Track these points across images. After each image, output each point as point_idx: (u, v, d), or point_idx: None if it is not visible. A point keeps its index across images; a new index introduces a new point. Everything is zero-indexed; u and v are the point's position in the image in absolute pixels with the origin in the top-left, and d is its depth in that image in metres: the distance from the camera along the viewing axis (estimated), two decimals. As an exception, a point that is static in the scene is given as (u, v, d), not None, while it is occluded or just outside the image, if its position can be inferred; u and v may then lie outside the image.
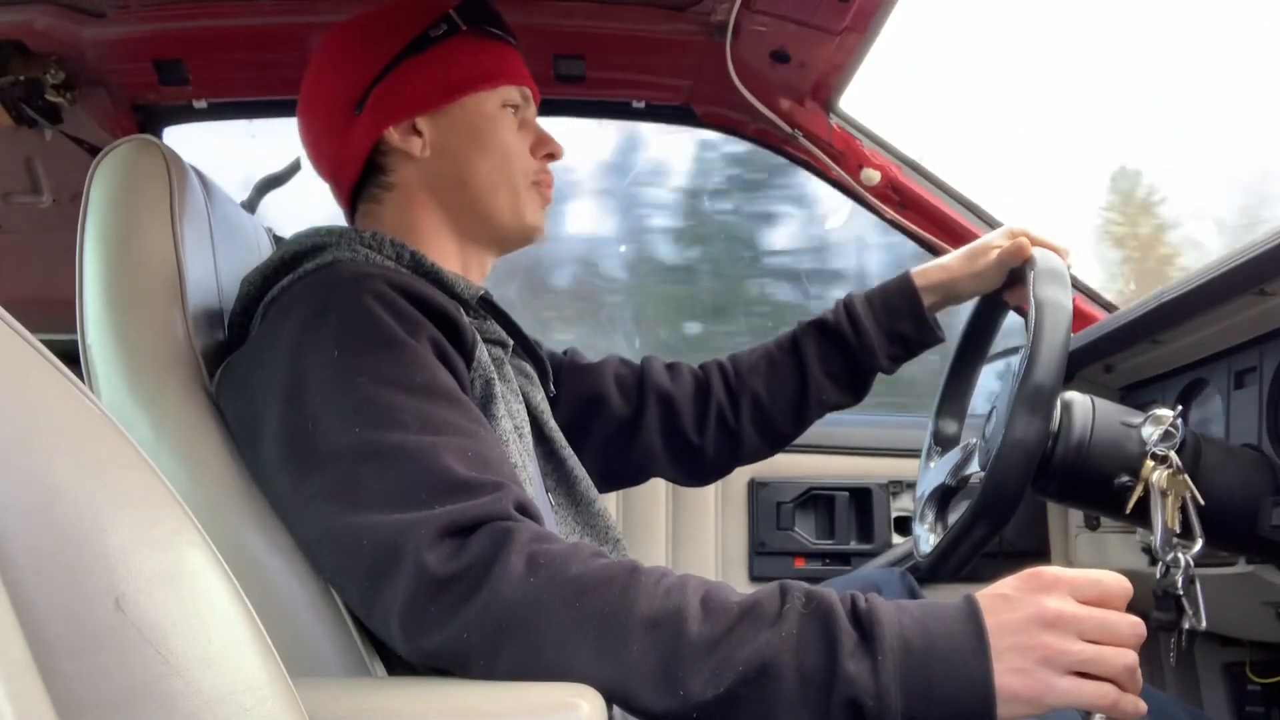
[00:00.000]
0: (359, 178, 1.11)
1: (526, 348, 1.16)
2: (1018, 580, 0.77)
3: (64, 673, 0.40)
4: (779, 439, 1.35)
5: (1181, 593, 0.98)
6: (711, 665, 0.74)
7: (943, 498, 1.24)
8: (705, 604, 0.76)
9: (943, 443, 1.32)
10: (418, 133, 1.09)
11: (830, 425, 1.80)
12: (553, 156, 1.15)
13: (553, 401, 1.19)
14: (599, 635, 0.75)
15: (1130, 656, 0.75)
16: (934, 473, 1.27)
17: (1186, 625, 0.98)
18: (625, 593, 0.76)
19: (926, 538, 1.22)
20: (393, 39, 1.09)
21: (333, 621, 0.88)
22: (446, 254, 1.10)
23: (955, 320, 1.37)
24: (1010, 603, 0.76)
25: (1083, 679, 0.74)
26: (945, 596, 0.81)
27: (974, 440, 1.20)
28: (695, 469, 1.35)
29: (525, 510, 0.83)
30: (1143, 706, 0.76)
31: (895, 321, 1.30)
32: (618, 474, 1.33)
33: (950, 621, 0.75)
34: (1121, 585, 0.77)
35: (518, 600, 0.76)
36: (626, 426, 1.30)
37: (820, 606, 0.76)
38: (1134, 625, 0.76)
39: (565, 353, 1.33)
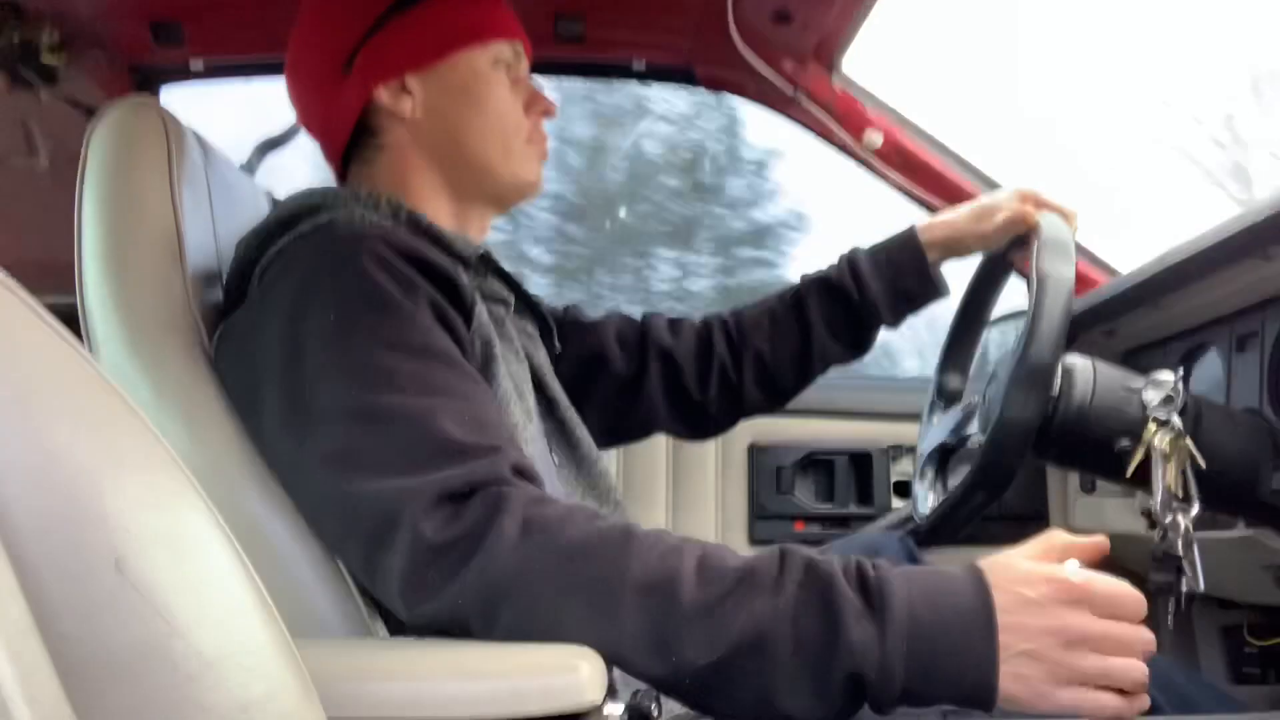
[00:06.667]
0: (350, 139, 1.10)
1: (529, 305, 1.15)
2: (1043, 581, 0.75)
3: (64, 635, 0.40)
4: (782, 395, 1.35)
5: (1181, 555, 0.98)
6: (705, 633, 0.73)
7: (943, 456, 1.25)
8: (700, 569, 0.76)
9: (946, 397, 1.32)
10: (408, 92, 1.08)
11: (830, 389, 1.81)
12: (547, 114, 1.14)
13: (555, 359, 1.19)
14: (592, 600, 0.75)
15: (1139, 669, 0.75)
16: (936, 429, 1.28)
17: (1185, 588, 0.98)
18: (619, 557, 0.76)
19: (925, 496, 1.23)
20: None
21: (334, 583, 0.88)
22: (442, 213, 1.09)
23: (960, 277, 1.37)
24: (1031, 608, 0.73)
25: (1083, 689, 0.74)
26: (945, 560, 0.81)
27: (976, 399, 1.20)
28: (698, 425, 1.35)
29: (523, 472, 0.83)
30: (1144, 703, 0.75)
31: (899, 277, 1.29)
32: (620, 430, 1.33)
33: (960, 599, 0.74)
34: (1137, 600, 0.76)
35: (511, 566, 0.76)
36: (628, 384, 1.30)
37: (820, 576, 0.75)
38: (1146, 641, 0.76)
39: (566, 309, 1.32)
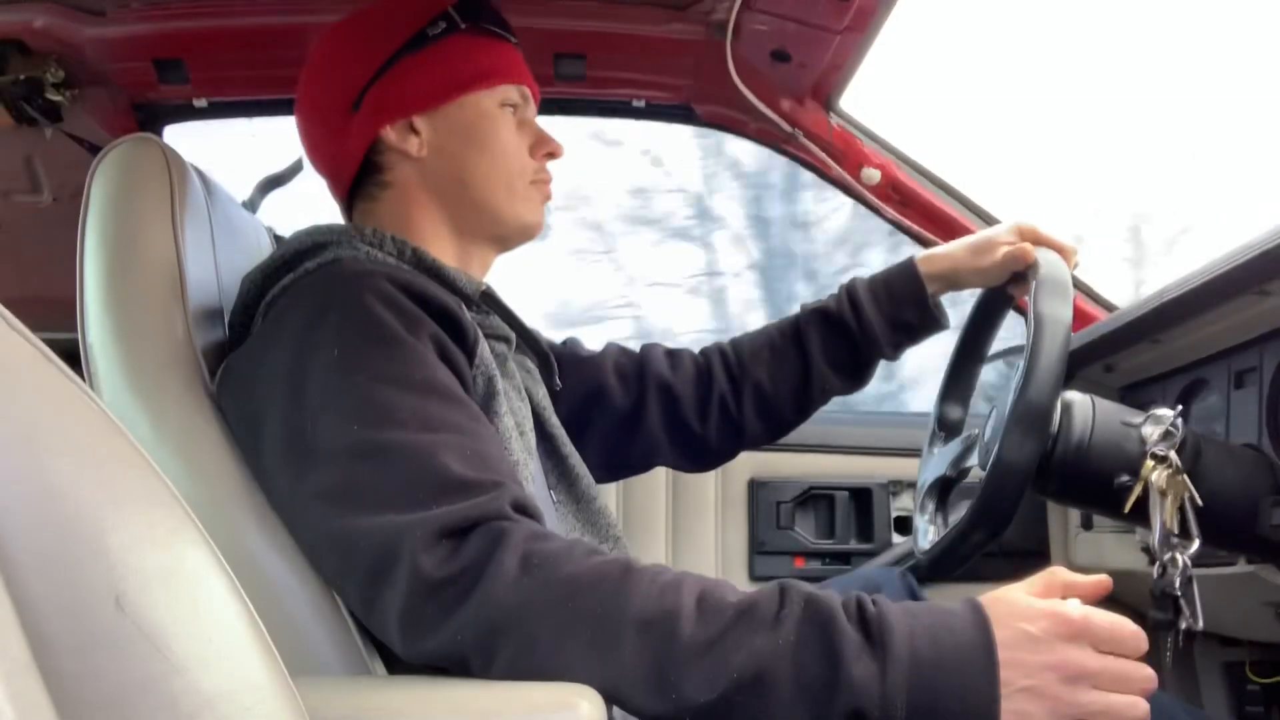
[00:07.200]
0: (356, 176, 1.11)
1: (529, 342, 1.16)
2: (1043, 616, 0.75)
3: (64, 671, 0.40)
4: (782, 425, 1.35)
5: (1179, 593, 0.97)
6: (705, 669, 0.73)
7: (943, 488, 1.25)
8: (700, 604, 0.75)
9: (946, 428, 1.33)
10: (415, 131, 1.09)
11: (830, 424, 1.81)
12: (552, 156, 1.15)
13: (555, 395, 1.19)
14: (591, 635, 0.75)
15: (1141, 706, 0.74)
16: (936, 461, 1.28)
17: (1184, 625, 0.98)
18: (618, 592, 0.76)
19: (926, 530, 1.23)
20: (390, 37, 1.09)
21: (333, 620, 0.88)
22: (445, 251, 1.10)
23: (960, 306, 1.37)
24: (1033, 643, 0.73)
25: None
26: (946, 596, 0.81)
27: (976, 431, 1.20)
28: (698, 456, 1.35)
29: (523, 508, 0.83)
30: None
31: (899, 309, 1.29)
32: (621, 463, 1.33)
33: (960, 635, 0.74)
34: (1138, 636, 0.76)
35: (511, 601, 0.76)
36: (628, 417, 1.30)
37: (820, 611, 0.74)
38: (1147, 677, 0.75)
39: (564, 343, 1.32)
